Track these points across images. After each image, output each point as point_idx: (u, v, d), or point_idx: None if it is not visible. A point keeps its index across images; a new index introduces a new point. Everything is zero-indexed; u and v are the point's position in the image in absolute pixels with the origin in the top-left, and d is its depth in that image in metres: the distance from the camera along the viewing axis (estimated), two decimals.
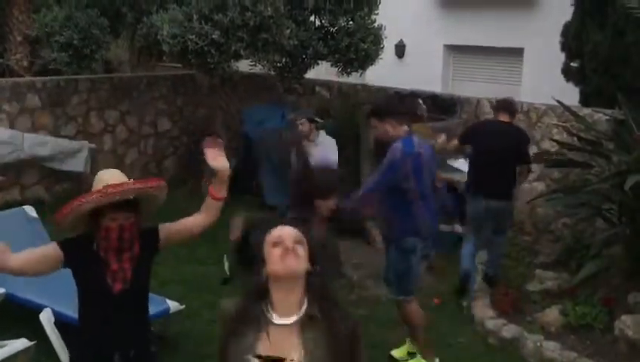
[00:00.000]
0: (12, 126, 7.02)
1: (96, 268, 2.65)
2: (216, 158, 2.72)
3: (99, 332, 2.75)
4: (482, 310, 5.01)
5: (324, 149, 5.69)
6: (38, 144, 7.01)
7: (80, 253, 2.67)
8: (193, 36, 5.96)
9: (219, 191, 2.81)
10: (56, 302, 4.16)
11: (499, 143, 5.07)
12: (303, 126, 5.86)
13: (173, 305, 4.46)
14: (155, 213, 2.83)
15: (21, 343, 3.81)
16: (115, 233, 2.61)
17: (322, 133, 5.97)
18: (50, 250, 2.70)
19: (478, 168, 5.24)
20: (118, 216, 2.61)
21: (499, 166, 5.05)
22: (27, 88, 7.23)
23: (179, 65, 8.36)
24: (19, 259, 2.64)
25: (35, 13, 8.31)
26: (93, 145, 7.49)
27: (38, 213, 5.27)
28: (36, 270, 2.73)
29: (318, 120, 6.14)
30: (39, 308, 4.21)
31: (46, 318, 4.14)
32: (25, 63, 8.46)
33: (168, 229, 2.81)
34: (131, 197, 2.63)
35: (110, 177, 2.69)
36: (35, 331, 4.08)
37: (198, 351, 4.46)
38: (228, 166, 2.76)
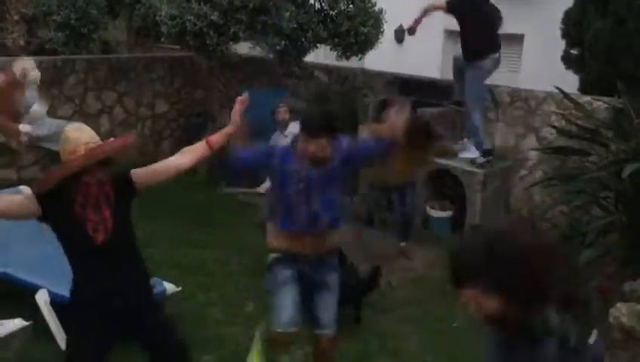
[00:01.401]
0: None
1: (76, 222, 2.74)
2: (236, 116, 3.01)
3: (92, 284, 2.83)
4: None
5: None
6: (35, 125, 6.96)
7: (57, 208, 2.74)
8: (192, 17, 5.92)
9: (217, 140, 2.97)
10: (53, 282, 4.16)
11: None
12: (280, 114, 5.71)
13: (169, 287, 4.47)
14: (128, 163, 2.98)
15: (16, 323, 3.81)
16: (95, 188, 2.74)
17: (294, 124, 5.53)
18: (28, 202, 2.77)
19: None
20: (97, 172, 2.73)
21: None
22: None
23: (177, 46, 8.31)
24: None
25: None
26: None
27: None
28: (13, 210, 2.81)
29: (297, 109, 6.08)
30: (35, 289, 4.21)
31: (42, 299, 4.14)
32: (21, 42, 8.40)
33: (144, 172, 2.91)
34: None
35: (81, 135, 2.75)
36: (31, 311, 4.08)
37: (194, 333, 4.46)
38: (238, 122, 2.99)
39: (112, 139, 2.88)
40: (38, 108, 2.86)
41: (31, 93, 3.00)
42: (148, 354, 3.08)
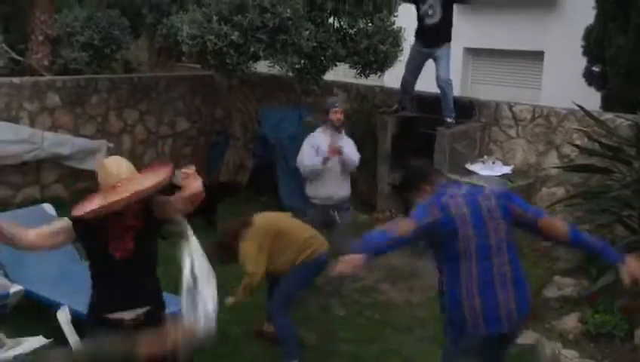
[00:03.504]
0: (32, 124, 7.09)
1: (101, 241, 2.94)
2: (191, 185, 2.96)
3: (107, 295, 3.02)
4: None
5: (350, 145, 5.30)
6: (58, 143, 7.08)
7: (91, 233, 2.94)
8: (212, 37, 5.97)
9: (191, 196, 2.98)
10: (74, 300, 4.18)
11: None
12: (336, 114, 5.15)
13: None
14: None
15: (38, 340, 3.84)
16: (130, 217, 2.92)
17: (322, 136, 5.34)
18: (65, 225, 2.97)
19: None
20: (134, 207, 2.91)
21: None
22: (47, 87, 7.31)
23: (198, 65, 8.39)
24: (31, 232, 2.90)
25: (56, 14, 8.40)
26: (111, 145, 7.55)
27: (56, 210, 5.32)
28: (50, 242, 2.98)
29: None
30: (56, 306, 4.24)
31: (63, 316, 4.17)
32: (46, 63, 8.54)
33: (163, 206, 3.03)
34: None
35: (120, 170, 2.87)
36: (53, 329, 4.11)
37: (213, 351, 4.46)
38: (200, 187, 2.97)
39: (149, 171, 2.98)
40: None
41: None
42: None
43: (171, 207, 3.03)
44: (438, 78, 6.68)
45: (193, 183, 2.97)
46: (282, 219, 4.59)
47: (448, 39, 6.70)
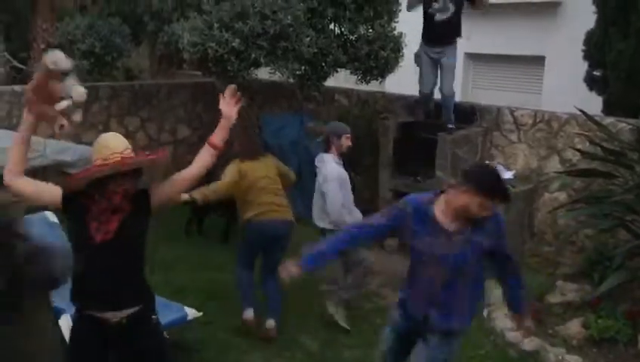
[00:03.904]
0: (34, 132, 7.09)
1: (85, 221, 2.85)
2: (229, 105, 2.99)
3: (85, 286, 2.87)
4: (503, 321, 4.94)
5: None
6: (60, 150, 7.08)
7: (77, 207, 2.87)
8: (213, 44, 5.99)
9: (217, 138, 3.02)
10: None
11: None
12: (349, 140, 4.86)
13: (190, 312, 4.45)
14: (160, 176, 3.04)
15: None
16: (120, 196, 2.83)
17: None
18: (56, 192, 2.92)
19: None
20: (125, 181, 2.82)
21: None
22: None
23: (199, 72, 8.41)
24: (28, 180, 2.90)
25: (58, 22, 8.43)
26: None
27: (59, 218, 5.31)
28: (37, 197, 2.95)
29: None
30: (59, 313, 4.22)
31: (65, 323, 4.16)
32: None
33: (161, 188, 2.99)
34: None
35: (116, 143, 2.86)
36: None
37: (215, 359, 4.46)
38: (234, 115, 3.00)
39: (146, 152, 2.99)
40: (77, 92, 2.90)
41: (68, 82, 3.07)
42: None
43: (186, 174, 3.01)
44: (442, 89, 6.64)
45: (231, 108, 2.99)
46: (262, 178, 4.82)
47: (458, 34, 6.66)
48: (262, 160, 4.96)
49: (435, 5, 6.54)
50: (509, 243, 3.15)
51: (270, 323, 4.77)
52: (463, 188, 2.95)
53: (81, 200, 2.87)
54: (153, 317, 3.04)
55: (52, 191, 2.94)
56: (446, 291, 3.06)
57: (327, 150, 4.86)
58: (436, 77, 6.72)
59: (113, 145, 2.85)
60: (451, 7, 6.47)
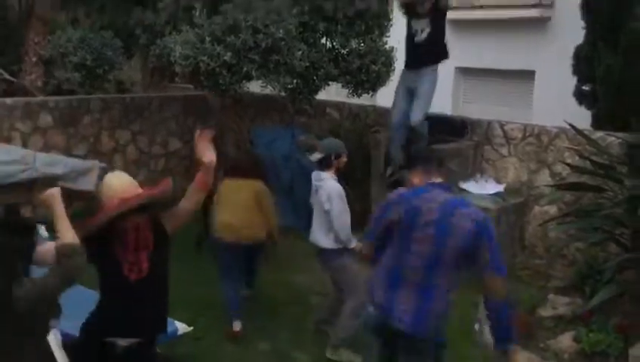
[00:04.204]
0: (25, 145, 7.07)
1: (115, 262, 2.94)
2: (205, 152, 3.03)
3: (116, 317, 3.00)
4: None
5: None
6: (50, 163, 7.02)
7: (98, 250, 2.91)
8: (205, 57, 6.00)
9: (203, 181, 3.07)
10: (65, 323, 4.13)
11: None
12: (343, 159, 4.77)
13: (181, 327, 4.43)
14: (170, 203, 3.09)
15: None
16: (133, 232, 2.93)
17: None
18: (50, 248, 2.87)
19: None
20: (134, 218, 2.91)
21: None
22: (40, 107, 7.31)
23: (190, 86, 8.41)
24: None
25: (50, 35, 8.42)
26: (104, 165, 7.51)
27: (48, 231, 5.27)
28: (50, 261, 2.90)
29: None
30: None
31: (53, 339, 4.11)
32: (39, 83, 8.56)
33: (168, 219, 3.09)
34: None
35: (121, 184, 2.96)
36: None
37: None
38: (215, 159, 3.04)
39: (149, 187, 3.04)
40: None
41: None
42: None
43: (183, 209, 3.07)
44: (411, 117, 6.21)
45: (207, 152, 3.01)
46: (233, 195, 5.01)
47: (439, 56, 6.42)
48: (245, 181, 5.09)
49: (414, 26, 6.32)
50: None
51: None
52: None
53: (100, 244, 2.93)
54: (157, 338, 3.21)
55: (50, 252, 2.91)
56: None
57: (324, 168, 4.73)
58: (409, 104, 6.31)
59: (116, 186, 2.95)
60: (427, 28, 6.24)
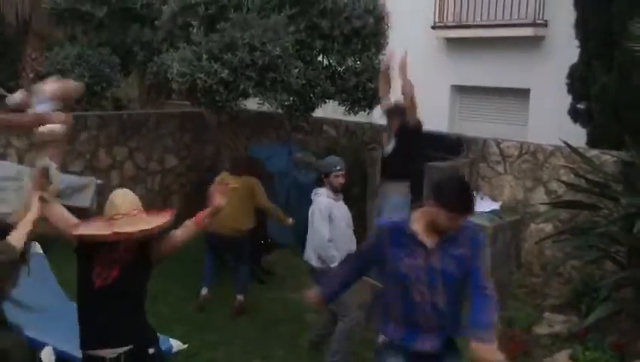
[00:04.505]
0: (20, 161, 7.07)
1: (89, 265, 3.05)
2: (218, 197, 3.15)
3: (87, 326, 3.08)
4: None
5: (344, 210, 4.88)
6: None
7: (83, 251, 3.07)
8: (202, 75, 6.03)
9: (204, 220, 3.15)
10: (58, 340, 4.11)
11: None
12: (340, 178, 4.73)
13: (175, 344, 4.41)
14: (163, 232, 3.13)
15: None
16: (118, 251, 3.03)
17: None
18: (70, 221, 3.17)
19: None
20: (124, 242, 3.01)
21: None
22: None
23: (187, 102, 8.43)
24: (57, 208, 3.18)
25: (47, 52, 8.46)
26: (100, 181, 7.53)
27: (43, 248, 5.26)
28: (56, 226, 3.19)
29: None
30: (41, 347, 4.15)
31: (47, 356, 4.09)
32: None
33: (158, 245, 3.13)
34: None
35: (122, 203, 3.04)
36: None
37: None
38: (223, 206, 3.15)
39: (152, 214, 3.12)
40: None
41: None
42: None
43: (175, 240, 3.13)
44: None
45: (219, 198, 3.14)
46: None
47: (397, 177, 5.90)
48: (241, 178, 5.61)
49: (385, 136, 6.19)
50: (495, 275, 3.11)
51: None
52: (431, 201, 3.00)
53: (87, 246, 3.05)
54: (150, 350, 3.15)
55: (71, 222, 3.16)
56: (438, 312, 3.01)
57: (319, 185, 4.79)
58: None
59: (118, 204, 3.03)
60: (392, 143, 6.01)
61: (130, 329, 3.09)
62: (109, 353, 3.02)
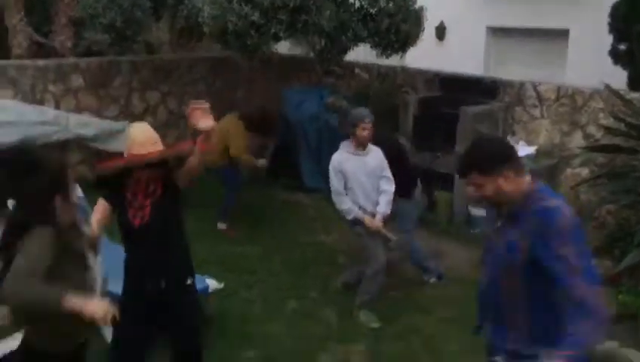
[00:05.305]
0: (57, 106, 7.18)
1: (124, 207, 3.17)
2: (201, 120, 3.05)
3: (131, 264, 3.26)
4: None
5: (377, 157, 4.77)
6: (82, 124, 7.16)
7: (114, 193, 3.21)
8: (233, 17, 5.97)
9: (203, 144, 3.12)
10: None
11: None
12: (367, 131, 4.61)
13: (212, 284, 4.52)
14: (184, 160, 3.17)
15: None
16: (143, 183, 3.14)
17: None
18: (102, 205, 3.28)
19: None
20: (145, 171, 3.10)
21: None
22: (71, 69, 7.38)
23: (219, 46, 8.39)
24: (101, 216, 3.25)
25: None
26: None
27: (82, 191, 5.39)
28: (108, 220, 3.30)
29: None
30: None
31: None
32: (69, 45, 8.62)
33: (180, 174, 3.19)
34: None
35: (140, 134, 3.13)
36: None
37: (237, 329, 4.53)
38: (212, 124, 3.08)
39: (168, 145, 3.21)
40: None
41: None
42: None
43: (190, 165, 3.14)
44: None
45: (202, 120, 3.03)
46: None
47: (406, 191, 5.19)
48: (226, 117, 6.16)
49: None
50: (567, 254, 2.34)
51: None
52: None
53: (116, 189, 3.18)
54: (188, 281, 3.32)
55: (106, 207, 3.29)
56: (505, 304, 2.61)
57: (348, 136, 4.76)
58: None
59: (139, 139, 3.10)
60: None
61: (171, 261, 3.24)
62: (151, 283, 3.19)
